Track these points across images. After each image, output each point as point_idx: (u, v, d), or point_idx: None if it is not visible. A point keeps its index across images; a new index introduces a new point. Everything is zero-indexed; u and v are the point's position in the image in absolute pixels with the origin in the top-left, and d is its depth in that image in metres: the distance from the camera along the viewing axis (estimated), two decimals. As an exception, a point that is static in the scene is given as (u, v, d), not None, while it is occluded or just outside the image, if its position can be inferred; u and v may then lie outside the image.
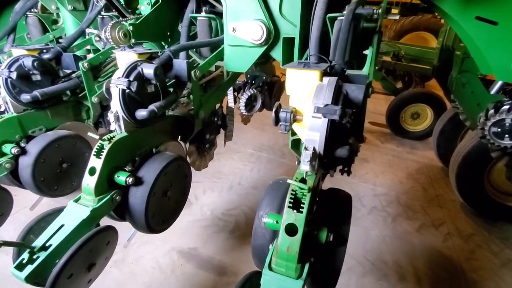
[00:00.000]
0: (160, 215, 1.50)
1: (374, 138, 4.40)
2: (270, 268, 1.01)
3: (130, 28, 1.59)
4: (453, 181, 2.87)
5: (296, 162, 1.54)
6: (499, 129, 2.20)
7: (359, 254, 2.37)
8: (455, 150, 2.90)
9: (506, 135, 2.18)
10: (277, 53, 1.63)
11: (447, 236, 2.64)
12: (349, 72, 1.31)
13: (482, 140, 2.33)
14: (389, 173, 3.55)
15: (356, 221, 2.72)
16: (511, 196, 2.82)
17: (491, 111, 2.22)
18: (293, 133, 1.54)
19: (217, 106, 2.10)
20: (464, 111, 2.98)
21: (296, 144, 1.56)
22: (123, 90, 1.26)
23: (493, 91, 2.52)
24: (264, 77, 2.66)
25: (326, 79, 1.10)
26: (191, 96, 1.74)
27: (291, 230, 0.98)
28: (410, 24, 6.09)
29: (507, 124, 2.16)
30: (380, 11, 1.48)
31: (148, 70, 1.30)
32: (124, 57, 1.41)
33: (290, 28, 1.55)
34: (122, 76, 1.26)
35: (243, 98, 2.40)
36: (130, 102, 1.31)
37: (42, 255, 1.17)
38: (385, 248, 2.46)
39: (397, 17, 1.80)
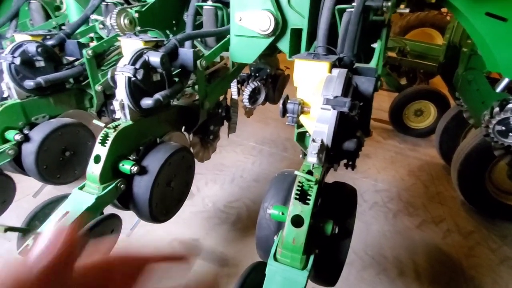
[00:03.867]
0: (163, 205, 1.50)
1: (377, 134, 4.39)
2: (275, 258, 1.01)
3: (136, 15, 1.56)
4: (454, 178, 2.87)
5: (301, 156, 1.53)
6: (503, 128, 2.19)
7: (360, 248, 2.38)
8: (457, 148, 2.89)
9: (511, 134, 2.17)
10: (284, 45, 1.60)
11: (446, 233, 2.65)
12: (358, 65, 1.29)
13: (486, 138, 2.32)
14: (391, 170, 3.55)
15: (357, 216, 2.69)
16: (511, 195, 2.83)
17: (496, 109, 2.21)
18: (299, 126, 1.52)
19: (221, 97, 2.09)
20: (469, 109, 2.97)
21: (302, 137, 1.54)
22: (129, 78, 1.25)
23: (498, 89, 2.50)
24: (268, 70, 2.64)
25: (335, 71, 1.08)
26: (196, 87, 1.73)
27: (297, 221, 0.98)
28: (416, 20, 6.01)
29: (512, 122, 2.15)
30: (389, 3, 1.45)
31: (155, 58, 1.28)
32: (130, 45, 1.39)
33: (298, 19, 1.53)
34: (128, 64, 1.25)
35: (247, 91, 2.38)
36: (136, 90, 1.30)
37: (47, 241, 1.17)
38: (385, 243, 2.48)
39: (407, 10, 1.78)
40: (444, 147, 3.55)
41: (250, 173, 3.28)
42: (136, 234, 2.30)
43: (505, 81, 2.35)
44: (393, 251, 2.40)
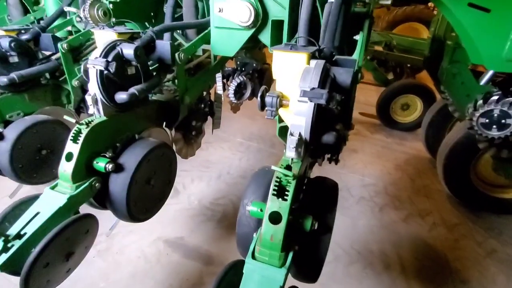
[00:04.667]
0: (143, 203, 1.45)
1: (364, 129, 4.41)
2: (253, 256, 0.99)
3: (110, 6, 1.50)
4: (440, 172, 2.89)
5: (284, 151, 1.51)
6: (487, 120, 2.21)
7: (346, 243, 2.39)
8: (442, 141, 2.91)
9: (494, 126, 2.19)
10: (265, 37, 1.57)
11: (432, 226, 2.68)
12: (338, 57, 1.27)
13: (470, 131, 2.34)
14: (378, 164, 3.57)
15: (344, 211, 2.73)
16: (497, 187, 2.87)
17: (480, 102, 2.22)
18: (281, 120, 1.50)
19: (205, 92, 2.04)
20: (454, 102, 2.99)
21: (284, 132, 1.52)
22: (101, 71, 1.20)
23: (482, 82, 2.52)
24: (254, 65, 2.59)
25: (313, 62, 1.06)
26: (176, 81, 1.68)
27: (275, 218, 0.96)
28: (402, 14, 6.04)
29: (495, 115, 2.17)
30: (371, -5, 1.43)
31: (128, 50, 1.23)
32: (103, 36, 1.33)
33: (279, 10, 1.49)
34: (100, 56, 1.19)
35: (232, 86, 2.33)
36: (109, 84, 1.25)
37: (17, 243, 1.13)
38: (371, 237, 2.49)
39: (389, 1, 1.76)
40: (430, 141, 3.58)
41: (237, 169, 3.24)
42: (119, 234, 2.25)
43: (489, 73, 2.36)
44: (379, 245, 2.41)
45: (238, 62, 2.54)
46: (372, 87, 5.47)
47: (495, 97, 2.17)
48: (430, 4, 6.08)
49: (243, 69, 2.55)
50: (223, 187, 2.94)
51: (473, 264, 2.31)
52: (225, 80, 2.47)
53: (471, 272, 2.25)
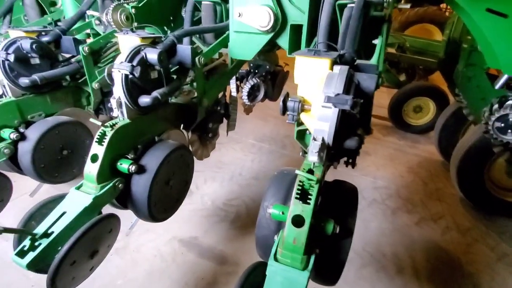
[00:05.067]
0: (162, 204, 1.48)
1: (376, 131, 4.39)
2: (275, 259, 1.00)
3: (133, 11, 1.53)
4: (453, 175, 2.87)
5: (301, 153, 1.52)
6: (502, 124, 2.19)
7: (359, 246, 2.39)
8: (457, 145, 2.89)
9: (509, 131, 2.17)
10: (283, 41, 1.58)
11: (445, 230, 2.66)
12: (359, 61, 1.27)
13: (485, 135, 2.32)
14: (390, 167, 3.55)
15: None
16: (510, 192, 2.83)
17: (496, 106, 2.21)
18: (299, 124, 1.51)
19: (220, 94, 2.07)
20: (468, 105, 2.96)
21: (302, 135, 1.53)
22: (126, 76, 1.23)
23: (497, 86, 2.50)
24: (267, 67, 2.61)
25: (337, 68, 1.07)
26: (194, 84, 1.71)
27: (298, 221, 0.97)
28: (415, 15, 5.98)
29: (511, 119, 2.15)
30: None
31: (152, 55, 1.26)
32: (127, 41, 1.37)
33: (298, 14, 1.51)
34: (125, 61, 1.22)
35: (246, 88, 2.36)
36: (133, 88, 1.28)
37: (44, 242, 1.16)
38: (384, 240, 2.48)
39: (408, 6, 1.76)
40: (443, 144, 3.55)
41: (249, 170, 3.27)
42: (135, 233, 2.29)
43: (504, 77, 2.33)
44: (391, 248, 2.40)
45: (252, 65, 2.56)
46: (384, 88, 5.43)
47: (511, 102, 2.15)
48: (442, 5, 5.99)
49: (256, 71, 2.57)
50: (235, 188, 2.97)
51: (485, 268, 2.29)
52: (238, 82, 2.49)
53: (483, 276, 2.24)
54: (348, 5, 1.37)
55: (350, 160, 1.47)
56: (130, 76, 1.23)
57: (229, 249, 2.26)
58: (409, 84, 4.43)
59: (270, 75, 2.70)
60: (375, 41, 1.46)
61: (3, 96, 1.68)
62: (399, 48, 4.13)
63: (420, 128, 4.32)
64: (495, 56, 1.87)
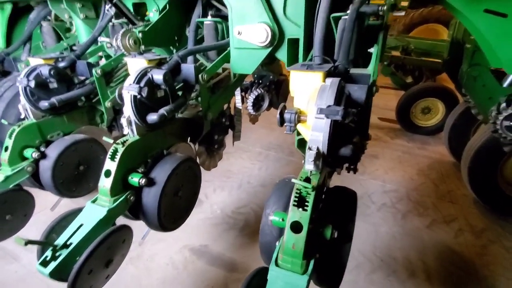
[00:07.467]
0: (172, 214, 1.56)
1: (384, 134, 4.36)
2: (276, 264, 1.05)
3: (140, 35, 1.65)
4: (465, 176, 2.83)
5: (303, 161, 1.57)
6: (511, 123, 2.17)
7: (368, 250, 2.38)
8: (467, 145, 2.85)
9: (520, 129, 2.14)
10: (282, 54, 1.65)
11: (458, 232, 2.61)
12: (353, 71, 1.32)
13: (494, 134, 2.30)
14: (399, 170, 3.52)
15: (366, 218, 2.73)
16: (526, 191, 2.76)
17: (503, 105, 2.19)
18: (299, 133, 1.57)
19: (225, 107, 2.15)
20: (476, 105, 2.93)
21: (302, 144, 1.58)
22: (135, 96, 1.33)
23: (505, 84, 2.47)
24: (271, 77, 2.69)
25: (328, 80, 1.12)
26: (199, 98, 1.80)
27: (296, 227, 1.02)
28: (419, 16, 5.95)
29: (520, 117, 2.13)
30: (385, 8, 1.47)
31: (158, 76, 1.36)
32: (135, 64, 1.47)
33: (294, 29, 1.58)
34: (134, 83, 1.32)
35: (251, 98, 2.44)
36: (142, 107, 1.38)
37: (64, 252, 1.25)
38: (394, 244, 2.47)
39: (403, 13, 1.80)
40: (453, 144, 3.50)
41: (257, 178, 3.32)
42: (148, 242, 2.39)
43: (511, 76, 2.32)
44: (402, 253, 2.38)
45: (255, 75, 2.65)
46: (391, 91, 5.41)
47: (519, 100, 2.13)
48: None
49: (260, 81, 2.65)
50: (244, 196, 3.03)
51: (502, 271, 2.24)
52: (243, 93, 2.58)
53: (499, 278, 2.18)
54: (342, 17, 1.43)
55: (352, 166, 1.51)
56: (138, 96, 1.33)
57: (238, 256, 2.31)
58: (416, 86, 4.41)
59: (274, 84, 2.78)
60: (371, 50, 1.51)
61: (26, 119, 1.83)
62: (404, 51, 4.13)
63: (429, 129, 4.27)
64: (497, 56, 1.87)
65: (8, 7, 2.75)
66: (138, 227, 1.57)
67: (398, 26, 6.11)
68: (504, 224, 2.68)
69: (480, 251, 2.42)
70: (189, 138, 1.88)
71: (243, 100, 2.53)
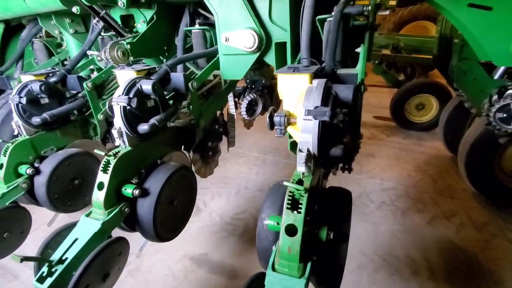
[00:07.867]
0: (168, 223, 1.55)
1: (380, 133, 4.37)
2: (273, 268, 1.04)
3: (128, 47, 1.66)
4: (462, 170, 2.83)
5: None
6: (504, 115, 2.18)
7: (370, 250, 2.37)
8: (462, 139, 2.86)
9: (513, 120, 2.15)
10: (270, 58, 1.66)
11: (460, 227, 2.60)
12: (340, 71, 1.33)
13: (488, 127, 2.30)
14: (397, 167, 3.52)
15: (365, 217, 2.72)
16: (525, 182, 2.76)
17: (495, 97, 2.20)
18: (291, 136, 1.57)
19: (218, 113, 2.15)
20: (469, 99, 2.94)
21: (295, 146, 1.58)
22: (124, 107, 1.33)
23: (496, 76, 2.49)
24: (263, 81, 2.70)
25: (315, 81, 1.13)
26: (191, 107, 1.80)
27: (291, 230, 1.01)
28: (408, 14, 6.02)
29: (513, 108, 2.13)
30: (369, 8, 1.49)
31: (147, 86, 1.36)
32: (124, 75, 1.48)
33: (281, 33, 1.59)
34: (122, 94, 1.33)
35: (244, 104, 2.44)
36: (132, 117, 1.38)
37: (60, 268, 1.24)
38: (395, 243, 2.45)
39: (387, 12, 1.81)
40: (449, 139, 3.51)
41: (255, 183, 3.32)
42: (146, 254, 2.37)
43: (502, 68, 2.33)
44: (404, 251, 2.37)
45: (248, 80, 2.66)
46: (385, 89, 5.44)
47: (511, 91, 2.14)
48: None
49: (253, 86, 2.66)
50: (242, 201, 3.02)
51: (507, 264, 2.22)
52: (236, 99, 2.58)
53: (505, 272, 2.16)
54: (328, 19, 1.45)
55: (346, 166, 1.51)
56: (128, 107, 1.33)
57: (239, 262, 2.29)
58: (408, 83, 4.44)
59: (267, 88, 2.79)
60: (358, 49, 1.52)
61: (19, 135, 1.83)
62: (394, 49, 4.17)
63: (425, 125, 4.29)
64: (484, 50, 1.89)
65: (0, 27, 2.77)
66: (135, 239, 1.56)
67: (388, 24, 6.17)
68: (506, 217, 2.67)
69: (484, 245, 2.40)
70: (182, 147, 1.87)
71: (236, 105, 2.53)
